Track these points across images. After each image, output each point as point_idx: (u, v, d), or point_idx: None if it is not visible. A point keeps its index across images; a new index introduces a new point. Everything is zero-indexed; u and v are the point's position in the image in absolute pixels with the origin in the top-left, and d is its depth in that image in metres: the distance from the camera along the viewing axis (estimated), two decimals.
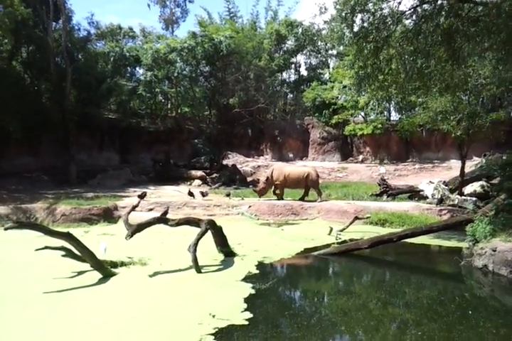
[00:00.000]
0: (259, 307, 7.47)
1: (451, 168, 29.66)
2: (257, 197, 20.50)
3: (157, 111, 38.51)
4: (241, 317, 6.84)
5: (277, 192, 20.43)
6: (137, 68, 37.31)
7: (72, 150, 26.78)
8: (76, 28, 33.25)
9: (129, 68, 36.81)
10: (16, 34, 23.02)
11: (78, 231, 12.91)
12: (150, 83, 30.62)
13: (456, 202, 18.63)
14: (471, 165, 21.09)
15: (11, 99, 23.43)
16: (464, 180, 20.64)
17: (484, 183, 20.36)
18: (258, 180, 22.34)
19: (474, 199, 18.80)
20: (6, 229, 8.21)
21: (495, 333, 6.57)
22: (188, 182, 27.79)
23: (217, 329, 6.32)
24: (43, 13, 26.98)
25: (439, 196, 19.14)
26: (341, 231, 14.58)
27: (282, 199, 20.11)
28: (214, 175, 28.86)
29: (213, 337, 6.07)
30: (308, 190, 20.34)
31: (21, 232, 10.87)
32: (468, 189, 20.60)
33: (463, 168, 20.43)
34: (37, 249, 8.46)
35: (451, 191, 20.41)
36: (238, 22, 41.40)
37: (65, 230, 9.34)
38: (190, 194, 20.00)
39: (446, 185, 20.74)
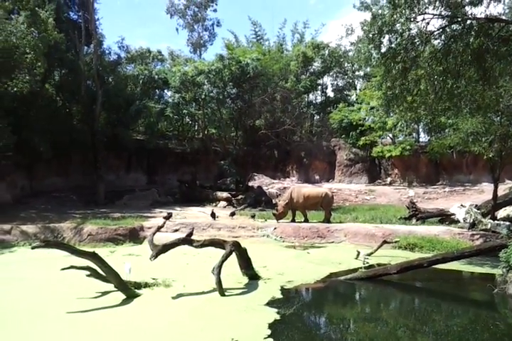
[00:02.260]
0: (283, 333, 7.24)
1: (483, 191, 28.88)
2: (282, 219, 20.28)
3: (184, 133, 38.96)
4: None
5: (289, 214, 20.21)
6: (165, 90, 37.94)
7: (100, 170, 27.21)
8: (107, 51, 34.34)
9: (157, 90, 37.50)
10: (48, 58, 23.74)
11: (104, 251, 12.96)
12: (178, 105, 31.05)
13: (488, 226, 18.00)
14: (504, 188, 20.47)
15: (43, 121, 24.07)
16: (496, 203, 19.96)
17: None
18: (276, 203, 22.03)
19: (508, 223, 18.12)
20: (33, 248, 8.27)
21: None
22: (214, 204, 27.79)
23: None
24: (75, 38, 27.87)
25: (471, 220, 18.52)
26: (369, 255, 14.19)
27: (307, 221, 19.83)
28: (240, 197, 28.77)
29: None
30: (329, 211, 20.12)
31: (48, 251, 10.96)
32: (501, 213, 19.91)
33: (495, 191, 19.78)
34: (62, 269, 8.51)
35: (484, 215, 19.74)
36: (265, 45, 42.02)
37: (90, 250, 9.36)
38: (213, 215, 19.94)
39: (478, 209, 20.10)
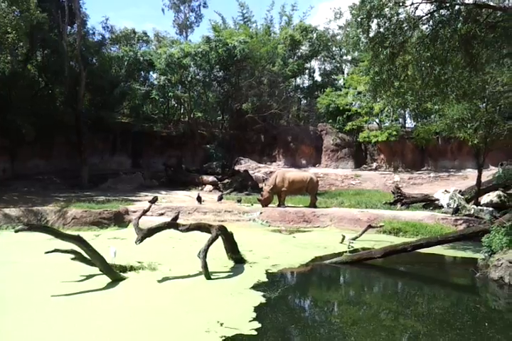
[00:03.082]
0: (269, 316, 7.29)
1: (467, 177, 29.27)
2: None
3: (170, 116, 38.64)
4: (249, 326, 6.67)
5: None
6: (151, 72, 37.55)
7: (84, 153, 26.92)
8: (91, 32, 33.65)
9: (142, 72, 36.98)
10: (31, 38, 23.20)
11: (88, 235, 12.88)
12: (163, 87, 30.72)
13: (472, 211, 18.29)
14: (488, 174, 20.74)
15: (25, 102, 23.65)
16: (480, 189, 20.26)
17: (501, 193, 19.97)
18: (262, 188, 22.04)
19: (491, 209, 18.45)
20: (16, 231, 8.15)
21: None
22: (200, 188, 27.77)
23: (224, 338, 6.17)
24: (58, 18, 27.22)
25: (455, 205, 18.81)
26: (354, 239, 14.33)
27: (284, 205, 19.86)
28: (226, 181, 28.79)
29: None
30: (315, 196, 20.20)
31: (31, 235, 10.83)
32: (485, 199, 20.22)
33: (479, 177, 20.06)
34: (46, 252, 8.42)
35: (467, 201, 20.05)
36: (252, 27, 41.55)
37: (75, 233, 9.27)
38: (199, 199, 19.91)
39: (462, 195, 20.40)
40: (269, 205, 19.81)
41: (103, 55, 32.35)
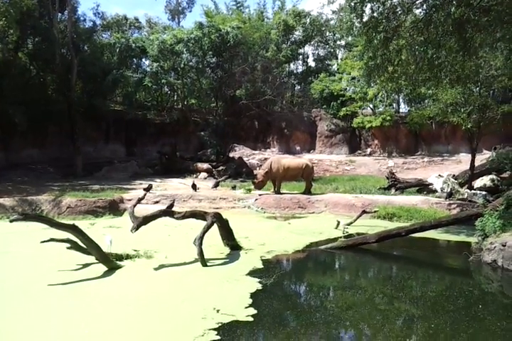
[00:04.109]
0: (264, 302, 7.37)
1: (461, 162, 29.42)
2: (263, 190, 20.36)
3: (163, 103, 38.37)
4: (245, 312, 6.75)
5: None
6: (143, 59, 37.32)
7: (77, 142, 26.80)
8: (82, 18, 33.26)
9: (135, 59, 36.68)
10: (21, 25, 22.82)
11: (84, 224, 12.88)
12: (156, 74, 30.43)
13: (465, 196, 18.44)
14: (482, 158, 20.85)
15: (16, 91, 23.40)
16: (473, 173, 20.40)
17: (494, 177, 20.13)
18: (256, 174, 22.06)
19: (484, 193, 18.60)
20: (11, 221, 8.15)
21: (502, 328, 6.43)
22: (195, 175, 27.75)
23: (220, 324, 6.23)
24: (48, 4, 26.77)
25: (449, 190, 18.93)
26: (349, 225, 14.43)
27: (280, 192, 19.88)
28: (220, 168, 28.82)
29: (216, 333, 5.98)
30: (310, 182, 20.27)
31: (27, 224, 10.89)
32: (478, 183, 20.38)
33: (473, 161, 20.17)
34: (42, 241, 8.44)
35: (461, 185, 20.20)
36: (245, 12, 41.20)
37: (70, 222, 9.28)
38: (194, 187, 19.91)
39: (455, 179, 20.54)
40: (264, 192, 19.86)
41: (94, 42, 31.95)
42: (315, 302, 7.94)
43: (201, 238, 9.84)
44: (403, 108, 39.74)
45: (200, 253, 9.54)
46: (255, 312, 6.79)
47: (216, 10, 40.78)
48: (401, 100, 38.83)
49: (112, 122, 32.48)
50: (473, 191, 19.20)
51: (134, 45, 33.53)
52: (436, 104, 19.68)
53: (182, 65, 28.95)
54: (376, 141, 36.60)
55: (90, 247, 8.96)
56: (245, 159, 30.68)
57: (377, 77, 13.83)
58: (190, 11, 48.80)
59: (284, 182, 20.93)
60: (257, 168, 30.66)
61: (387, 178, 21.96)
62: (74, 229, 8.76)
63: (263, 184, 20.06)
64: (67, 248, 8.94)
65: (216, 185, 21.44)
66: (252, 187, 20.28)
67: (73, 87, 27.01)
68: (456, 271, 10.56)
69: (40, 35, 27.50)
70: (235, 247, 11.18)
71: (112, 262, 9.22)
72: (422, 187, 21.17)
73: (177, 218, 10.67)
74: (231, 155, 31.06)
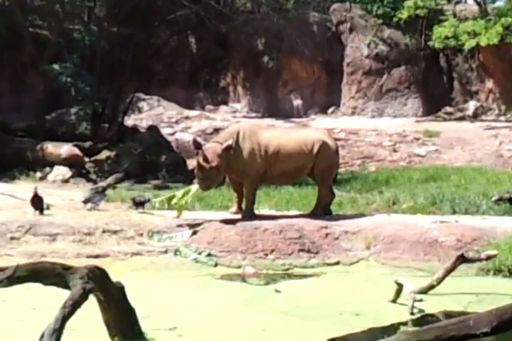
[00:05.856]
0: None
1: None
2: (210, 208, 10.29)
3: None
4: None
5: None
6: None
7: None
8: None
9: None
10: None
11: None
12: None
13: None
14: None
15: None
16: None
17: None
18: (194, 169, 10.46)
19: None
20: None
21: None
22: (40, 173, 14.81)
23: None
24: None
25: None
26: (425, 291, 6.97)
27: (253, 213, 8.89)
28: (104, 155, 15.31)
29: None
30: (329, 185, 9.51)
31: None
32: None
33: None
34: None
35: None
36: None
37: None
38: (37, 203, 9.38)
39: None
40: (218, 212, 10.39)
41: None
42: None
43: (57, 331, 3.94)
44: None
45: None
46: None
47: None
48: None
49: None
50: None
51: None
52: None
53: None
54: (489, 83, 19.53)
55: None
56: (166, 131, 16.89)
57: None
58: None
59: (266, 185, 10.19)
60: (196, 153, 13.94)
61: None
62: None
63: (218, 176, 9.00)
64: None
65: (94, 198, 10.04)
66: (186, 197, 9.36)
67: None
68: None
69: None
70: None
71: None
72: None
73: (1, 283, 5.17)
74: (130, 121, 16.54)
